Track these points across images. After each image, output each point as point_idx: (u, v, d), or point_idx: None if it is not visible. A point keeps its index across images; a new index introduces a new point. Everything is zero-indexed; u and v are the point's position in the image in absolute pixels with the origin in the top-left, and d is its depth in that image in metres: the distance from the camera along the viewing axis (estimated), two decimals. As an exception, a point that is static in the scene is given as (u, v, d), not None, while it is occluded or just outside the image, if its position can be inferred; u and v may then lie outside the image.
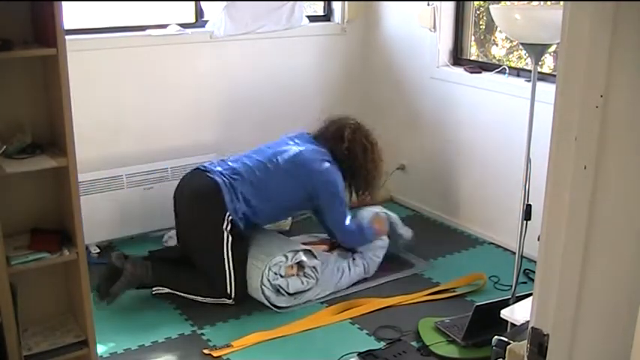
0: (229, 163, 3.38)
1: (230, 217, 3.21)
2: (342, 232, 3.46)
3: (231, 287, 3.23)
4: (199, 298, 3.25)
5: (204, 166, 3.37)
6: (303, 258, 3.26)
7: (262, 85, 4.28)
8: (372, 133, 3.63)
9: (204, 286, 3.26)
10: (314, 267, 3.29)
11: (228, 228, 3.20)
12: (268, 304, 3.21)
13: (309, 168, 3.37)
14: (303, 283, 3.25)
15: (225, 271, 3.22)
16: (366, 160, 3.53)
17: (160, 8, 3.97)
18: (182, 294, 3.25)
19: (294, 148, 3.43)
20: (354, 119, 3.63)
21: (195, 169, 3.41)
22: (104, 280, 3.18)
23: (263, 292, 3.18)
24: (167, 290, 3.24)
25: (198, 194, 3.29)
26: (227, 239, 3.21)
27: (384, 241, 3.59)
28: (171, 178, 3.90)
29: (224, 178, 3.26)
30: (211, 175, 3.27)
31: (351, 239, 3.51)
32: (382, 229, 3.61)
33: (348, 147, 3.51)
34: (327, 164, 3.41)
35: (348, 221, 3.44)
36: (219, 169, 3.33)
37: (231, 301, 3.25)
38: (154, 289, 3.24)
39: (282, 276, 3.21)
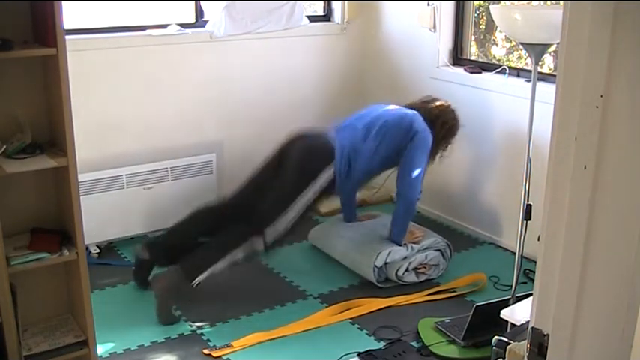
0: (339, 132, 3.50)
1: (332, 171, 3.34)
2: (408, 180, 3.49)
3: (274, 229, 3.25)
4: (236, 253, 3.21)
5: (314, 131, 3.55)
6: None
7: (262, 85, 4.28)
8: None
9: (234, 234, 3.26)
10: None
11: (322, 181, 3.32)
12: (400, 283, 3.46)
13: (413, 126, 3.51)
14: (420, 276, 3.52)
15: (283, 209, 3.27)
16: (449, 136, 3.68)
17: (160, 8, 3.98)
18: (219, 263, 3.20)
19: (395, 110, 3.59)
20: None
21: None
22: (136, 275, 3.41)
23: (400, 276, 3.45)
24: (206, 274, 3.19)
25: (312, 144, 3.44)
26: (314, 187, 3.31)
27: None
28: (172, 178, 3.91)
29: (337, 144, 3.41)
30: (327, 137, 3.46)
31: (409, 192, 3.50)
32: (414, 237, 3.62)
33: (444, 120, 3.64)
34: (424, 125, 3.56)
35: (419, 182, 3.51)
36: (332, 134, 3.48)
37: (262, 246, 3.23)
38: (194, 282, 3.18)
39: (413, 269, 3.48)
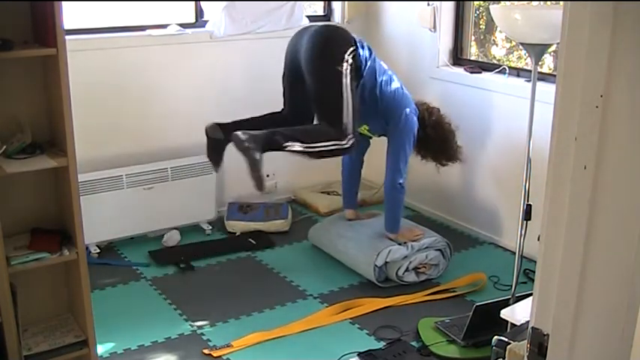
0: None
1: (355, 48, 3.28)
2: (393, 165, 3.49)
3: (347, 120, 3.22)
4: (327, 144, 3.22)
5: None
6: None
7: (262, 85, 4.28)
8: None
9: (326, 127, 3.24)
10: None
11: (349, 60, 3.25)
12: (401, 283, 3.46)
13: (411, 105, 3.55)
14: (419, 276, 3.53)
15: (342, 102, 3.22)
16: (447, 144, 3.69)
17: (160, 8, 3.98)
18: (311, 145, 3.21)
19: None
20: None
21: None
22: (211, 155, 3.41)
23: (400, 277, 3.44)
24: (298, 146, 3.18)
25: (327, 31, 3.38)
26: (348, 69, 3.25)
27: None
28: (171, 178, 3.91)
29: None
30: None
31: (394, 176, 3.49)
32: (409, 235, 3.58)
33: (435, 122, 3.65)
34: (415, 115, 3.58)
35: (402, 169, 3.49)
36: None
37: (346, 142, 3.23)
38: (285, 144, 3.18)
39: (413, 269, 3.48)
